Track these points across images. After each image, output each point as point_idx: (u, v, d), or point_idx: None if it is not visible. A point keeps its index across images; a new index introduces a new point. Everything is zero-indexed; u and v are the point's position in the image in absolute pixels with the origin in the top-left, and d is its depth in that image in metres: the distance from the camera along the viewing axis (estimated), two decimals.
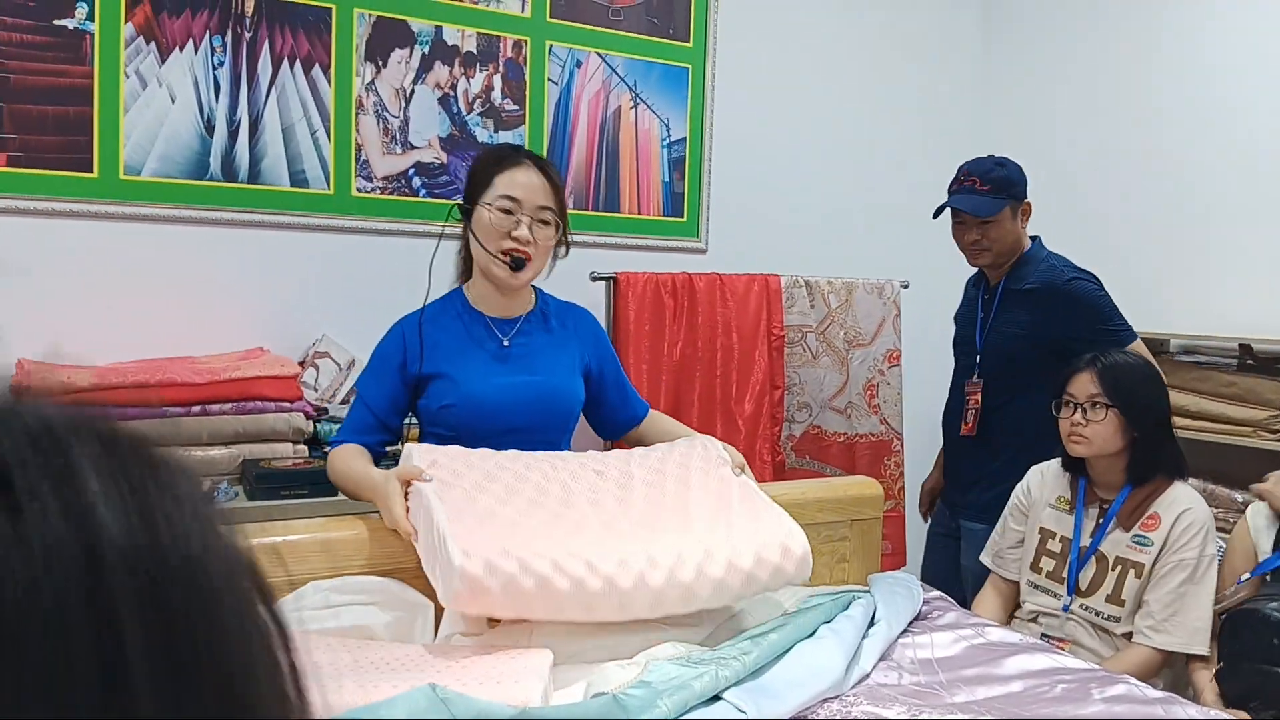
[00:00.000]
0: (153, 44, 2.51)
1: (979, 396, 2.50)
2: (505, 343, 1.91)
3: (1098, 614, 2.08)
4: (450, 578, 1.43)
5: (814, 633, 1.61)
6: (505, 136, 2.98)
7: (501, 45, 2.97)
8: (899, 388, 3.33)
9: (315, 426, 2.50)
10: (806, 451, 3.22)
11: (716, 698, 1.40)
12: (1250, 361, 2.83)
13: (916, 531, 3.07)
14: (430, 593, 1.59)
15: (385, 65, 2.81)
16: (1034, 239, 2.55)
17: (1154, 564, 2.02)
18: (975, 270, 2.70)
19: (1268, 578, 1.98)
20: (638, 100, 3.20)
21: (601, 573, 1.48)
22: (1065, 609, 2.12)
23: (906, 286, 3.37)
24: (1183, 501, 2.05)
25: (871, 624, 1.72)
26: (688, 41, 3.28)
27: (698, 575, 1.53)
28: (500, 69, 2.97)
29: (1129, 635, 2.03)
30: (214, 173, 2.59)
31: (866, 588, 1.90)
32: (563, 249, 1.96)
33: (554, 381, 1.92)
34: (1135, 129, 3.32)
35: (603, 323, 2.80)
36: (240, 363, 2.43)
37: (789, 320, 3.20)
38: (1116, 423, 2.05)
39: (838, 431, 3.25)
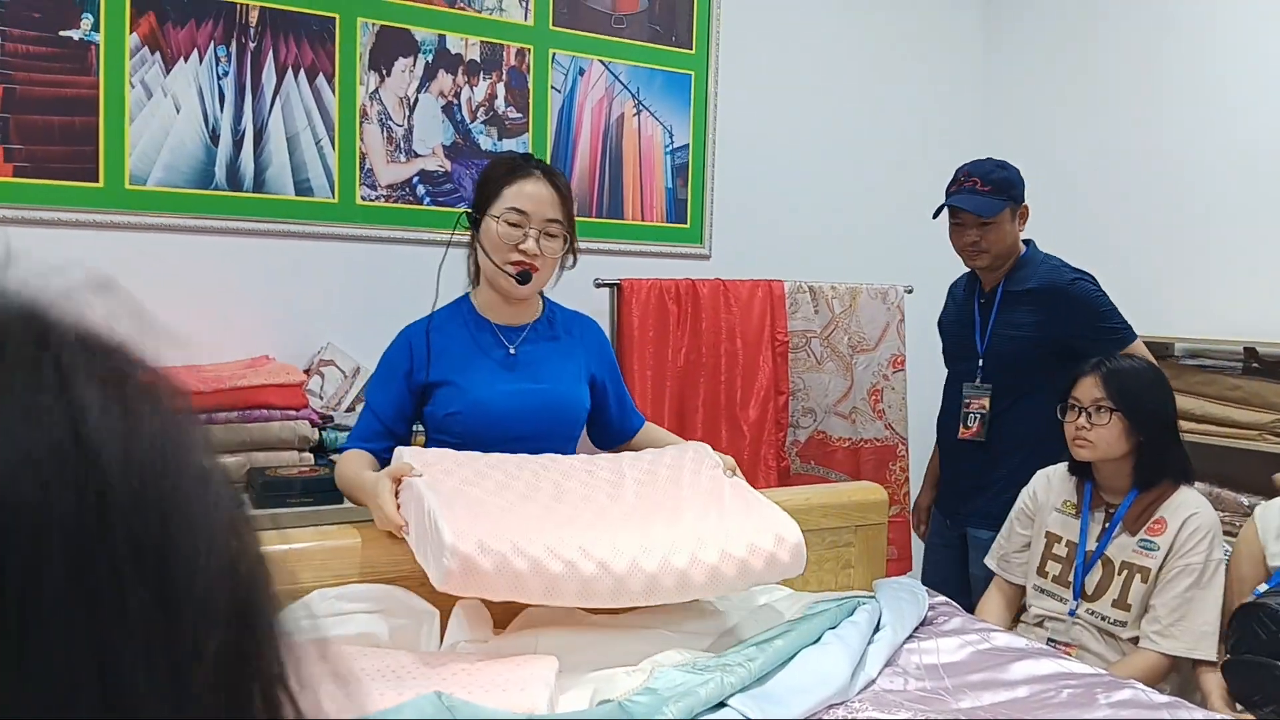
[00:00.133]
0: (157, 54, 2.53)
1: (986, 400, 2.49)
2: (512, 350, 1.92)
3: (1104, 618, 2.07)
4: (442, 556, 1.42)
5: (819, 639, 1.61)
6: (509, 144, 2.99)
7: (505, 53, 2.98)
8: (903, 393, 3.33)
9: (321, 434, 2.51)
10: (811, 457, 3.22)
11: (722, 704, 1.40)
12: (1255, 365, 2.83)
13: None
14: (436, 600, 1.59)
15: (389, 74, 2.82)
16: (1027, 242, 2.55)
17: (1160, 569, 2.02)
18: (961, 276, 2.71)
19: None
20: (640, 107, 3.21)
21: (595, 557, 1.48)
22: (1071, 613, 2.12)
23: (910, 291, 3.37)
24: (1189, 506, 2.04)
25: (877, 630, 1.72)
26: (690, 48, 3.29)
27: (691, 561, 1.53)
28: (503, 77, 2.98)
29: (1135, 640, 2.03)
30: (219, 182, 2.60)
31: (872, 593, 1.90)
32: (571, 259, 1.97)
33: (560, 389, 1.93)
34: (1137, 130, 3.32)
35: (607, 329, 2.80)
36: (245, 371, 2.44)
37: (793, 326, 3.20)
38: (1120, 426, 2.05)
39: (842, 437, 3.25)
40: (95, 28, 2.45)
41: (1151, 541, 2.04)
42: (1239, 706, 1.90)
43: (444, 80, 2.90)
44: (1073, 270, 2.49)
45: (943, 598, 2.00)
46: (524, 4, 3.00)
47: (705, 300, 3.08)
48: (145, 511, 0.32)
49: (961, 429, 2.53)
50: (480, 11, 2.93)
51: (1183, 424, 2.77)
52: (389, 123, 2.82)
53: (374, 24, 2.78)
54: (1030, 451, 2.41)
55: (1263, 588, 1.99)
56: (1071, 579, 2.13)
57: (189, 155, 2.57)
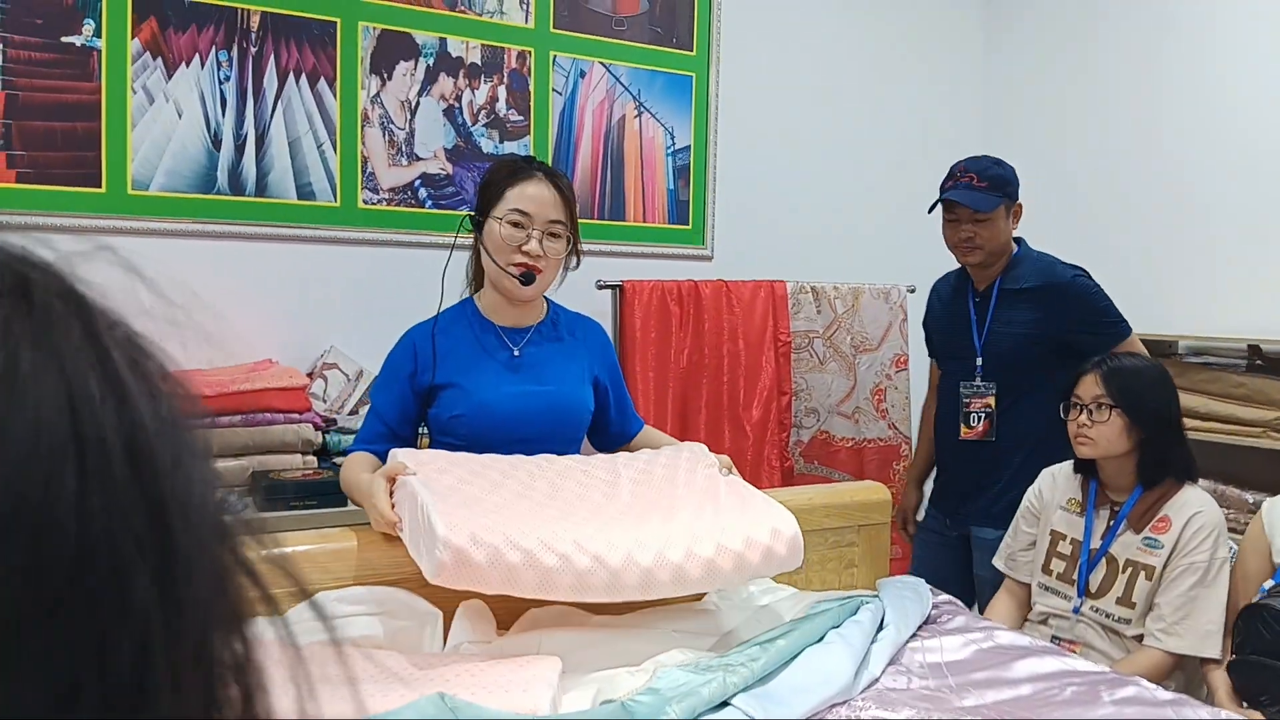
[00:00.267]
0: (159, 59, 2.53)
1: (990, 399, 2.48)
2: (516, 352, 1.92)
3: (1108, 616, 2.07)
4: (434, 548, 1.42)
5: (822, 638, 1.61)
6: (510, 147, 3.00)
7: (506, 56, 2.99)
8: (906, 392, 3.33)
9: (324, 437, 2.51)
10: (815, 457, 3.22)
11: (725, 704, 1.40)
12: (1259, 362, 2.82)
13: None
14: (438, 601, 1.60)
15: (390, 78, 2.82)
16: (1018, 240, 2.55)
17: (1165, 566, 2.02)
18: (945, 275, 2.71)
19: None
20: (642, 109, 3.22)
21: (590, 551, 1.47)
22: (1075, 611, 2.11)
23: (913, 291, 3.36)
24: (1194, 504, 2.04)
25: (880, 628, 1.72)
26: (691, 50, 3.29)
27: (687, 556, 1.53)
28: (505, 80, 2.99)
29: (1139, 638, 2.03)
30: (221, 186, 2.61)
31: (875, 592, 1.90)
32: (574, 260, 1.97)
33: (564, 391, 1.93)
34: (1138, 128, 3.32)
35: (609, 331, 2.81)
36: (249, 375, 2.44)
37: (795, 326, 3.20)
38: (1121, 423, 2.05)
39: (846, 437, 3.25)
40: (97, 33, 2.46)
41: (1156, 539, 2.04)
42: (1245, 704, 1.90)
43: (445, 83, 2.90)
44: (1069, 266, 2.49)
45: (946, 596, 2.00)
46: (524, 7, 3.00)
47: (707, 301, 3.08)
48: (149, 506, 0.32)
49: (964, 429, 2.51)
50: (481, 15, 2.94)
51: (1187, 422, 2.76)
52: (390, 126, 2.83)
53: (375, 28, 2.79)
54: (1033, 450, 2.41)
55: (1269, 584, 1.99)
56: (1076, 577, 2.13)
57: (191, 160, 2.58)
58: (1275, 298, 2.92)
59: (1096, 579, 2.10)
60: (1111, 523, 2.11)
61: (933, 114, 3.74)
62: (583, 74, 3.11)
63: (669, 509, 1.67)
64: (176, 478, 0.33)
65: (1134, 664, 1.95)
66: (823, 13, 3.54)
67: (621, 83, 3.18)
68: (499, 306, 1.93)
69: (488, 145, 2.97)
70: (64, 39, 2.43)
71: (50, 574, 0.29)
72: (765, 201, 3.43)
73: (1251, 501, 2.68)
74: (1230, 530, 2.51)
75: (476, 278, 2.00)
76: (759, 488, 1.91)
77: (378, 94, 2.81)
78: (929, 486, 2.82)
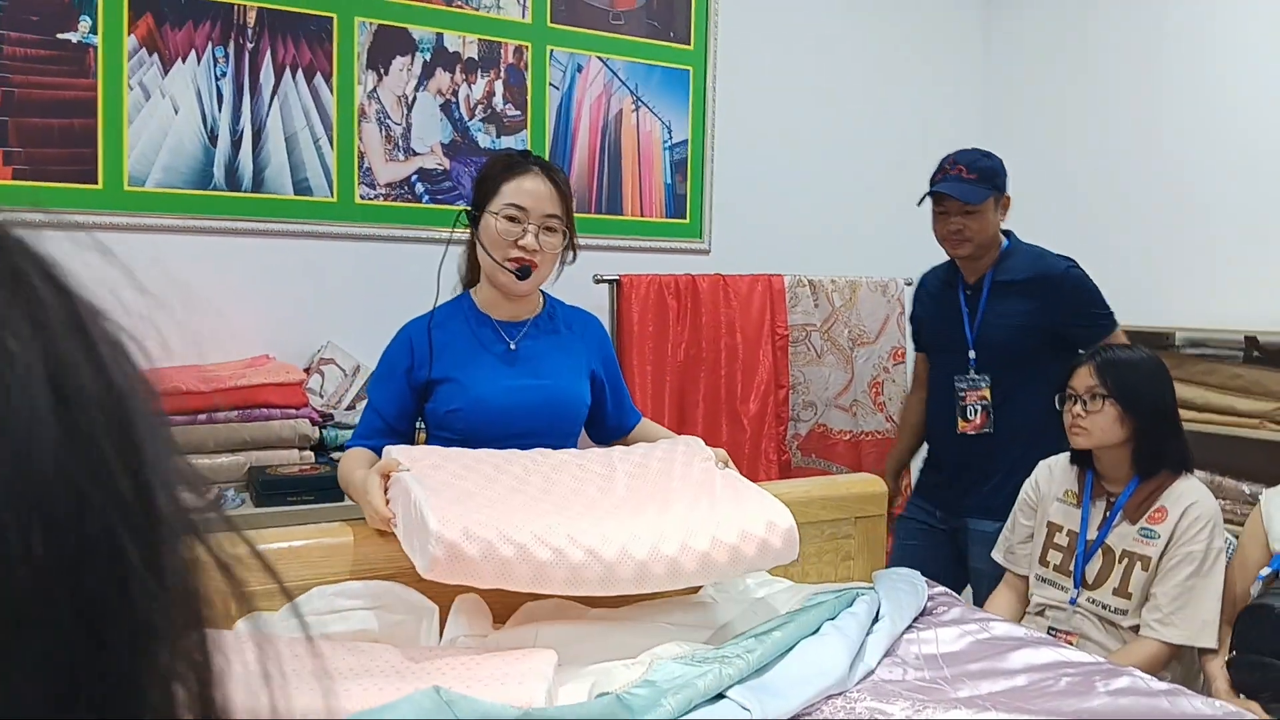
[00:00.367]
0: (155, 55, 2.54)
1: (986, 392, 2.49)
2: (512, 346, 1.92)
3: (1105, 607, 2.07)
4: (427, 543, 1.41)
5: (818, 630, 1.61)
6: (507, 142, 3.00)
7: (502, 51, 2.99)
8: (904, 385, 3.33)
9: (321, 433, 2.51)
10: (813, 450, 3.22)
11: (720, 696, 1.40)
12: (1256, 354, 2.83)
13: None
14: (435, 596, 1.60)
15: (387, 73, 2.82)
16: (1007, 233, 2.56)
17: (1161, 557, 2.02)
18: (931, 270, 2.72)
19: None
20: (639, 103, 3.22)
21: (583, 545, 1.47)
22: (1072, 602, 2.12)
23: (910, 284, 3.36)
24: (1190, 495, 2.04)
25: (875, 620, 1.72)
26: (688, 44, 3.29)
27: (682, 549, 1.53)
28: (501, 75, 2.99)
29: (1136, 628, 2.03)
30: (218, 182, 2.61)
31: (871, 585, 1.90)
32: (570, 255, 1.97)
33: (561, 384, 1.93)
34: (1137, 123, 3.32)
35: (606, 325, 2.81)
36: (246, 370, 2.45)
37: (793, 319, 3.20)
38: (1115, 413, 2.06)
39: (843, 429, 3.25)
40: (93, 30, 2.46)
41: (1152, 530, 2.04)
42: (1242, 697, 1.90)
43: (442, 78, 2.90)
44: (1060, 257, 2.50)
45: (942, 588, 2.00)
46: (521, 1, 3.00)
47: (705, 295, 3.08)
48: (132, 474, 0.32)
49: (961, 422, 2.51)
50: (478, 9, 2.94)
51: (1184, 413, 2.77)
52: (387, 121, 2.83)
53: (371, 23, 2.79)
54: (1030, 442, 2.41)
55: (1266, 571, 1.99)
56: (1073, 568, 2.13)
57: (188, 156, 2.58)
58: (1272, 289, 2.92)
59: (1093, 570, 2.10)
60: (1108, 514, 2.12)
61: (932, 111, 3.74)
62: (580, 68, 3.11)
63: (664, 502, 1.67)
64: (155, 448, 0.33)
65: (1130, 655, 1.96)
66: (820, 6, 3.54)
67: (619, 77, 3.18)
68: (495, 301, 1.93)
69: (485, 140, 2.97)
70: (60, 35, 2.43)
71: (44, 542, 0.29)
72: (762, 195, 3.43)
73: (1249, 493, 2.69)
74: (1228, 522, 2.51)
75: (470, 273, 2.00)
76: (756, 481, 1.91)
77: (374, 89, 2.81)
78: (913, 478, 2.82)
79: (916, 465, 2.84)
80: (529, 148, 3.00)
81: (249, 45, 2.64)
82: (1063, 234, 3.49)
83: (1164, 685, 1.56)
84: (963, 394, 2.50)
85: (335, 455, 2.40)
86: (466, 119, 2.94)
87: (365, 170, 2.80)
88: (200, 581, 0.34)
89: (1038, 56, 3.69)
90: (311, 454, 2.47)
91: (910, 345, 3.31)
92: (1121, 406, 2.05)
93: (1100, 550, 2.10)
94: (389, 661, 1.42)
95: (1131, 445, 2.08)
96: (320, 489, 2.29)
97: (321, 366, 2.66)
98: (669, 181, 3.28)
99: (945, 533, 2.61)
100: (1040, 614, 2.19)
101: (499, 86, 2.98)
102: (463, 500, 1.54)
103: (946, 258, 2.62)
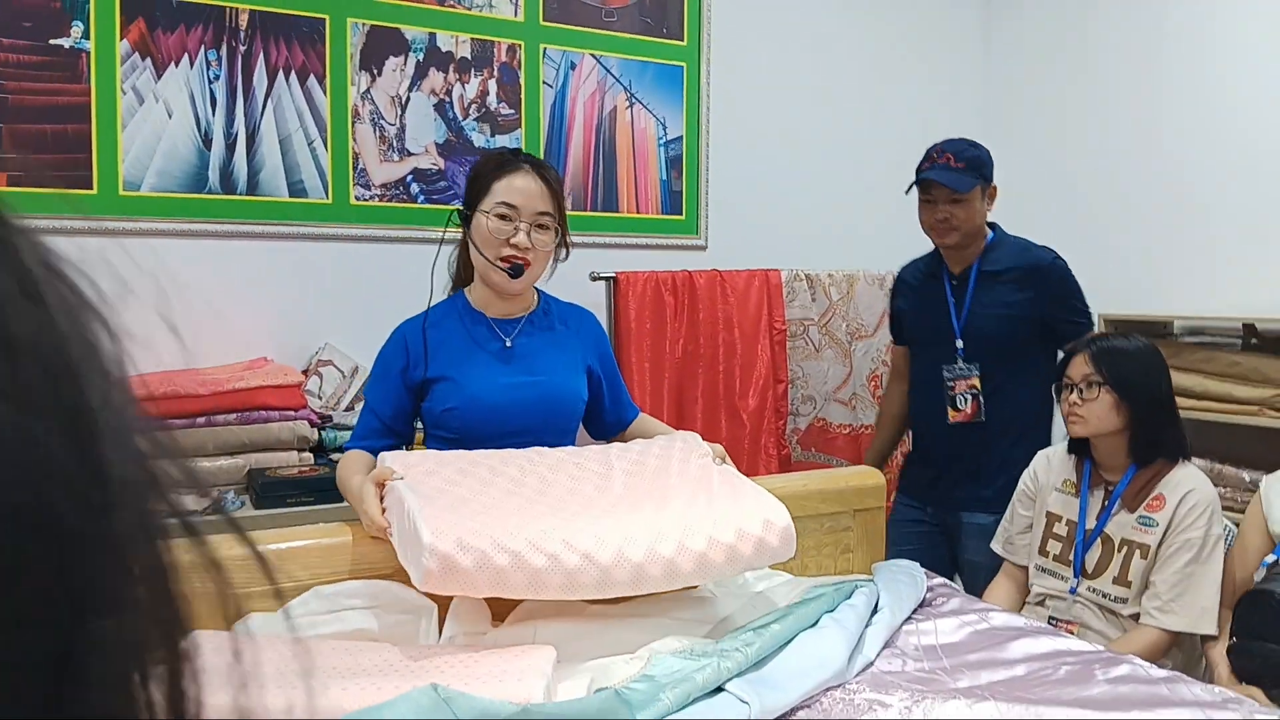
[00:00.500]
0: (148, 60, 2.54)
1: (975, 380, 2.49)
2: (508, 343, 1.92)
3: (1104, 596, 2.07)
4: (420, 556, 1.41)
5: (816, 623, 1.61)
6: (502, 140, 3.00)
7: (495, 50, 2.99)
8: None
9: (320, 434, 2.52)
10: (812, 444, 3.22)
11: (719, 689, 1.40)
12: (1254, 341, 2.83)
13: None
14: (433, 595, 1.60)
15: (380, 74, 2.82)
16: (993, 225, 2.56)
17: (1160, 545, 2.02)
18: (912, 263, 2.72)
19: None
20: (633, 100, 3.21)
21: (579, 549, 1.47)
22: (1072, 591, 2.12)
23: None
24: (1187, 482, 2.04)
25: (874, 612, 1.72)
26: (681, 40, 3.29)
27: (679, 549, 1.52)
28: (495, 73, 2.99)
29: (1136, 617, 2.03)
30: (212, 185, 2.62)
31: (870, 577, 1.90)
32: (563, 252, 1.97)
33: (557, 381, 1.93)
34: (1136, 118, 3.32)
35: (603, 322, 2.81)
36: (244, 373, 2.45)
37: (790, 314, 3.20)
38: (1111, 400, 2.06)
39: (843, 423, 3.25)
40: (85, 35, 2.47)
41: (1150, 518, 2.04)
42: (1244, 684, 1.90)
43: (435, 78, 2.90)
44: (1046, 249, 2.53)
45: (941, 579, 2.00)
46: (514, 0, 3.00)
47: (702, 291, 3.08)
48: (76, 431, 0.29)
49: (952, 412, 2.50)
50: (470, 9, 2.94)
51: (1183, 401, 2.77)
52: (381, 122, 2.83)
53: (364, 24, 2.79)
54: (1021, 434, 2.43)
55: (1271, 558, 1.99)
56: (1072, 557, 2.13)
57: (182, 160, 2.58)
58: (1270, 277, 2.92)
59: (1092, 559, 2.10)
60: (1106, 502, 2.12)
61: (930, 109, 3.73)
62: (573, 66, 3.11)
63: (661, 500, 1.67)
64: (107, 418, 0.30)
65: (1131, 643, 1.96)
66: (816, 1, 3.53)
67: (612, 74, 3.18)
68: (490, 299, 1.93)
69: (479, 139, 2.97)
70: (53, 41, 2.43)
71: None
72: (759, 191, 3.43)
73: (1249, 480, 2.68)
74: (1227, 509, 2.51)
75: (463, 272, 2.00)
76: (756, 476, 1.91)
77: (368, 90, 2.81)
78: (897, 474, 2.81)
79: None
80: (523, 146, 3.00)
81: (241, 48, 2.64)
82: (1062, 227, 3.49)
83: (1163, 673, 1.56)
84: (951, 384, 2.50)
85: (334, 456, 2.41)
86: (460, 118, 2.94)
87: (360, 171, 2.80)
88: (173, 583, 0.32)
89: (1037, 54, 3.68)
90: (310, 455, 2.47)
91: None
92: (1118, 394, 2.05)
93: (1099, 539, 2.10)
94: (387, 660, 1.43)
95: (1128, 433, 2.08)
96: (320, 490, 2.29)
97: (320, 368, 2.67)
98: (664, 178, 3.28)
99: (938, 529, 2.60)
100: (1040, 604, 2.19)
101: (492, 85, 2.98)
102: (456, 507, 1.54)
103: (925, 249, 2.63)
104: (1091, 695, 1.47)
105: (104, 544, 0.29)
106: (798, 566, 2.02)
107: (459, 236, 1.98)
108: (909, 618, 1.78)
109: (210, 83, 2.61)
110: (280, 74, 2.69)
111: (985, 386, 2.48)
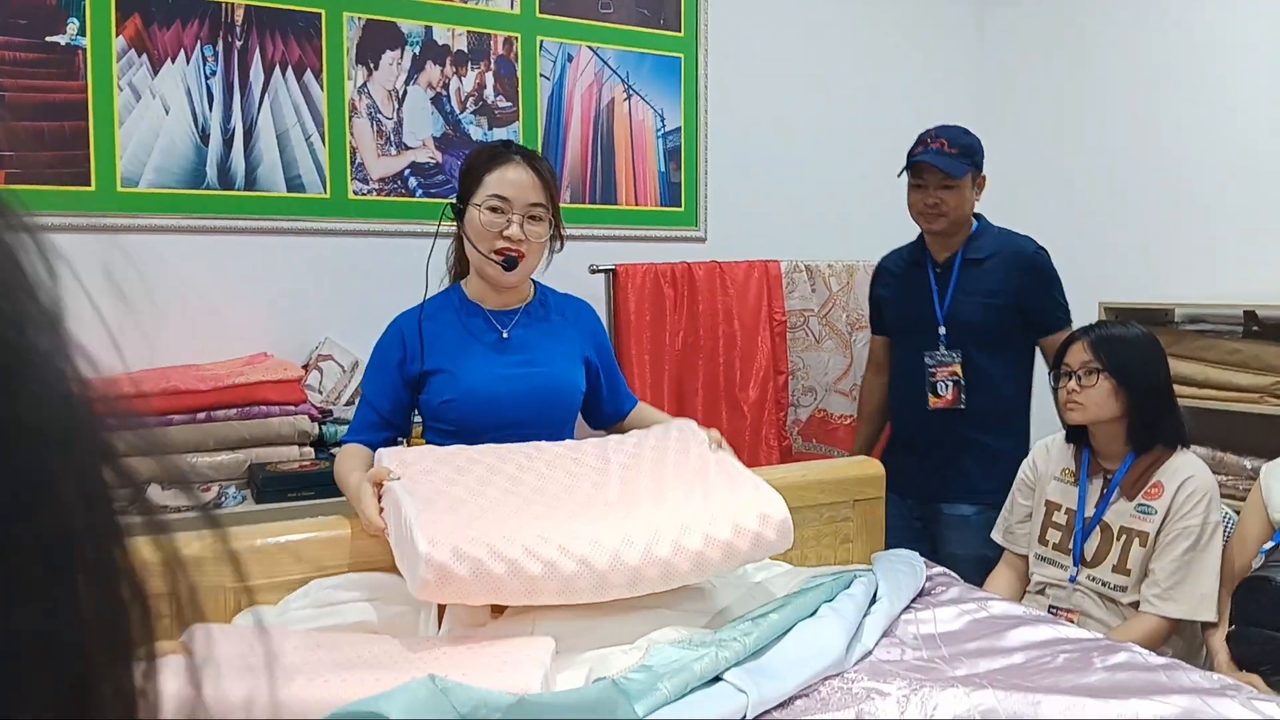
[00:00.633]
0: (144, 56, 2.54)
1: (956, 367, 2.49)
2: (504, 334, 1.92)
3: (1104, 584, 2.08)
4: (416, 566, 1.42)
5: (815, 612, 1.61)
6: (499, 133, 2.99)
7: (492, 43, 2.98)
8: None
9: (320, 429, 2.52)
10: (813, 435, 3.22)
11: (718, 679, 1.41)
12: (1255, 328, 2.81)
13: None
14: None
15: (377, 67, 2.82)
16: (978, 216, 2.57)
17: (1158, 532, 2.02)
18: (894, 251, 2.73)
19: None
20: (631, 92, 3.21)
21: (575, 555, 1.47)
22: (1072, 580, 2.12)
23: None
24: (1185, 469, 2.04)
25: (873, 601, 1.72)
26: (679, 31, 3.28)
27: (675, 550, 1.52)
28: (492, 66, 2.98)
29: (1136, 605, 2.03)
30: (210, 181, 2.62)
31: (869, 567, 1.90)
32: (558, 243, 1.97)
33: (554, 372, 1.93)
34: (1132, 106, 3.30)
35: (603, 315, 2.81)
36: (244, 368, 2.45)
37: (790, 305, 3.20)
38: (1109, 387, 2.06)
39: (844, 414, 3.25)
40: (81, 32, 2.46)
41: (1149, 506, 2.04)
42: (1244, 672, 1.90)
43: (432, 71, 2.90)
44: (1031, 240, 2.55)
45: (940, 568, 2.00)
46: None
47: (701, 283, 3.08)
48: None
49: (932, 398, 2.50)
50: (466, 2, 2.93)
51: (1184, 389, 2.77)
52: (378, 116, 2.83)
53: (360, 18, 2.79)
54: (1000, 420, 2.47)
55: (1269, 545, 1.99)
56: (1071, 546, 2.13)
57: (180, 156, 2.58)
58: (1271, 263, 2.91)
59: (1091, 548, 2.10)
60: (1105, 491, 2.12)
61: (925, 98, 3.71)
62: (570, 58, 3.11)
63: (658, 497, 1.66)
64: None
65: (1130, 631, 1.96)
66: None
67: (610, 66, 3.17)
68: (486, 291, 1.93)
69: (476, 133, 2.97)
70: (48, 38, 2.43)
71: None
72: (757, 182, 3.42)
73: (1250, 467, 2.68)
74: (1229, 497, 2.51)
75: (459, 265, 2.00)
76: (757, 467, 1.91)
77: (364, 84, 2.81)
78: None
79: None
80: (521, 139, 2.99)
81: (238, 43, 2.64)
82: (1059, 215, 3.49)
83: (1162, 660, 1.57)
84: (933, 370, 2.51)
85: (335, 451, 2.40)
86: (458, 112, 2.94)
87: (358, 165, 2.80)
88: (122, 585, 0.31)
89: (1031, 43, 3.67)
90: (311, 450, 2.47)
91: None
92: (1116, 380, 2.05)
93: (1098, 527, 2.10)
94: (386, 651, 1.43)
95: (1126, 420, 2.08)
96: (320, 485, 2.29)
97: (320, 363, 2.67)
98: (663, 170, 3.28)
99: (919, 521, 2.59)
100: (1040, 592, 2.19)
101: (489, 78, 2.98)
102: (454, 510, 1.54)
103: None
104: (1090, 683, 1.47)
105: (39, 540, 0.29)
106: (797, 557, 2.03)
107: (454, 230, 1.98)
108: (908, 607, 1.78)
109: (207, 78, 2.61)
110: (276, 69, 2.69)
111: (965, 374, 2.48)
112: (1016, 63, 3.72)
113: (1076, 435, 2.18)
